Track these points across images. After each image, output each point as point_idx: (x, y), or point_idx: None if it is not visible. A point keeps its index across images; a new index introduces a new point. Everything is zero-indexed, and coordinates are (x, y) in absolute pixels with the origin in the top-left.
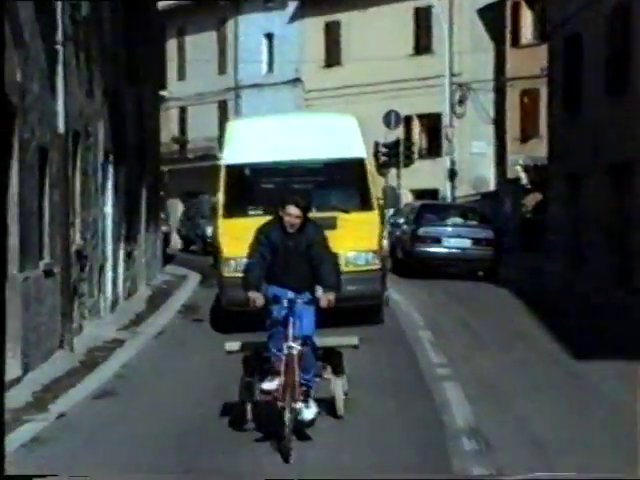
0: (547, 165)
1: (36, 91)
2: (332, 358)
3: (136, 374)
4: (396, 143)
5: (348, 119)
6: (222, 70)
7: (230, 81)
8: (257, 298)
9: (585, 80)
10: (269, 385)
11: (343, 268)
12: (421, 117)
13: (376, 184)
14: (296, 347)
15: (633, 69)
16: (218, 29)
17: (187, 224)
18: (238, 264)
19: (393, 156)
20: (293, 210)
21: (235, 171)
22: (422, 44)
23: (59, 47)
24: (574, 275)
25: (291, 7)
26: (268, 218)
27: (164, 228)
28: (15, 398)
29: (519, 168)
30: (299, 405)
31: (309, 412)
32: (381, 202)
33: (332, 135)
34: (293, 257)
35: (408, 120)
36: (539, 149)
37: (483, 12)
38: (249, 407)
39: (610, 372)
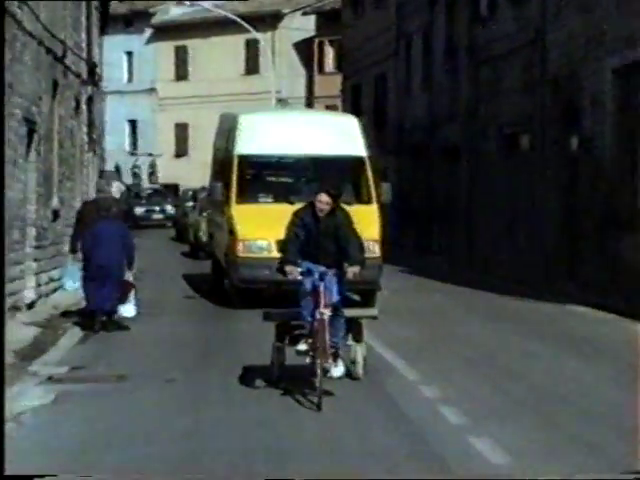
0: None
1: None
2: (353, 327)
3: None
4: None
5: (351, 119)
6: None
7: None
8: (294, 271)
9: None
10: (303, 346)
11: None
12: None
13: (375, 181)
14: (327, 313)
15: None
16: None
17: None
18: (251, 245)
19: None
20: (324, 197)
21: (247, 161)
22: (251, 67)
23: None
24: None
25: (147, 32)
26: (277, 205)
27: None
28: None
29: None
30: (329, 363)
31: (337, 370)
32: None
33: (336, 133)
34: (323, 237)
35: None
36: None
37: (297, 46)
38: (277, 368)
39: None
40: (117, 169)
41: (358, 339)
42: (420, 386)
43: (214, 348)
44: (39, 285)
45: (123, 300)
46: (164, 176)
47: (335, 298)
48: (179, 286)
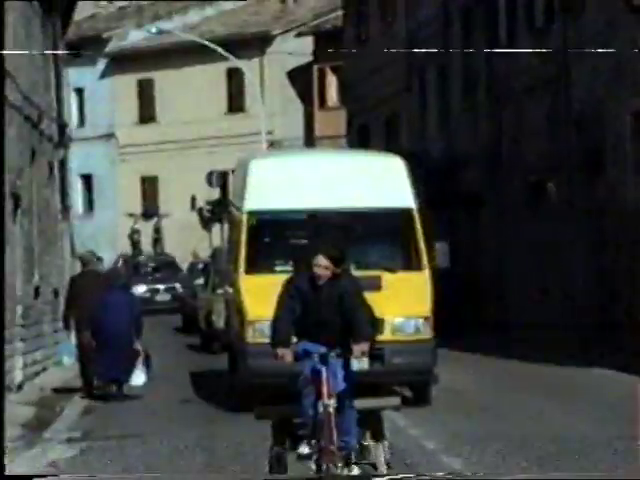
0: None
1: None
2: (370, 421)
3: None
4: (219, 201)
5: (393, 160)
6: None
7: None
8: (285, 355)
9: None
10: (305, 448)
11: (389, 336)
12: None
13: (427, 240)
14: (332, 404)
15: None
16: None
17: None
18: (264, 328)
19: (217, 213)
20: (322, 261)
21: (259, 219)
22: (235, 104)
23: None
24: None
25: (101, 64)
26: None
27: None
28: None
29: None
30: (339, 471)
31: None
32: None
33: (375, 179)
34: (324, 311)
35: (225, 175)
36: None
37: (292, 74)
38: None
39: None
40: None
41: (378, 437)
42: None
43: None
44: (25, 366)
45: (133, 368)
46: (126, 244)
47: (341, 386)
48: (180, 388)
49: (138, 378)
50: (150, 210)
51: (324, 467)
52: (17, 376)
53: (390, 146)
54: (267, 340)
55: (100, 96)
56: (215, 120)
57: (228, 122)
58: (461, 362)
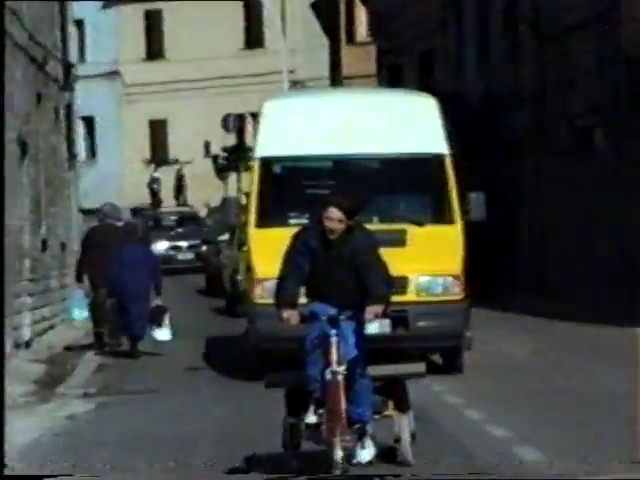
0: None
1: None
2: (394, 390)
3: None
4: (236, 147)
5: (425, 100)
6: None
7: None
8: (291, 316)
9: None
10: (313, 417)
11: (414, 297)
12: (255, 116)
13: (460, 190)
14: (341, 371)
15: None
16: None
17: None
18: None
19: (233, 161)
20: (335, 213)
21: (273, 166)
22: (253, 39)
23: None
24: None
25: None
26: None
27: None
28: None
29: None
30: (350, 443)
31: (365, 453)
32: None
33: (404, 121)
34: (336, 268)
35: (242, 119)
36: None
37: (316, 7)
38: (292, 456)
39: None
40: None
41: (402, 407)
42: None
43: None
44: (33, 323)
45: (160, 324)
46: (133, 195)
47: (353, 353)
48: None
49: (164, 334)
50: (159, 157)
51: (333, 439)
52: (25, 333)
53: (424, 86)
54: None
55: (102, 29)
56: (231, 57)
57: (245, 60)
58: (497, 322)
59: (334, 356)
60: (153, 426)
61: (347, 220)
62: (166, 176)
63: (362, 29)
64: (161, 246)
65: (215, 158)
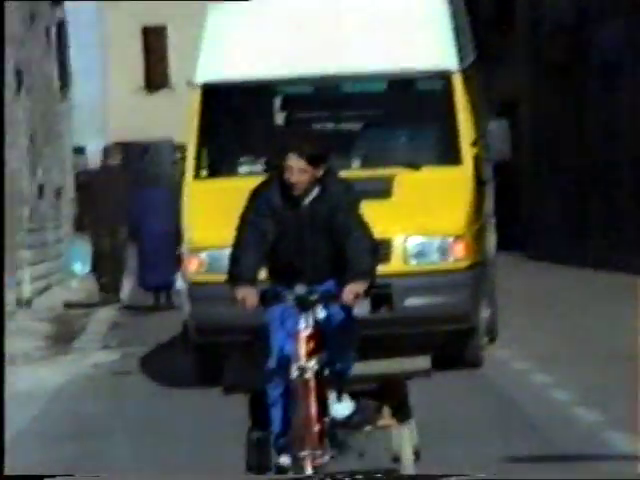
0: None
1: None
2: (390, 393)
3: None
4: None
5: None
6: None
7: None
8: (248, 295)
9: None
10: (286, 459)
11: (399, 266)
12: None
13: (474, 118)
14: (311, 367)
15: None
16: None
17: None
18: (215, 258)
19: None
20: (295, 161)
21: (218, 94)
22: None
23: None
24: None
25: None
26: None
27: None
28: None
29: None
30: (323, 460)
31: (342, 407)
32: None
33: (394, 25)
34: (305, 233)
35: None
36: None
37: None
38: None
39: None
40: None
41: (401, 415)
42: None
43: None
44: (32, 280)
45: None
46: (120, 127)
47: (334, 343)
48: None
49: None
50: (157, 81)
51: (301, 456)
52: (25, 290)
53: None
54: (216, 277)
55: None
56: None
57: None
58: (524, 271)
59: (302, 349)
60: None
61: (313, 169)
62: (155, 102)
63: None
64: None
65: None
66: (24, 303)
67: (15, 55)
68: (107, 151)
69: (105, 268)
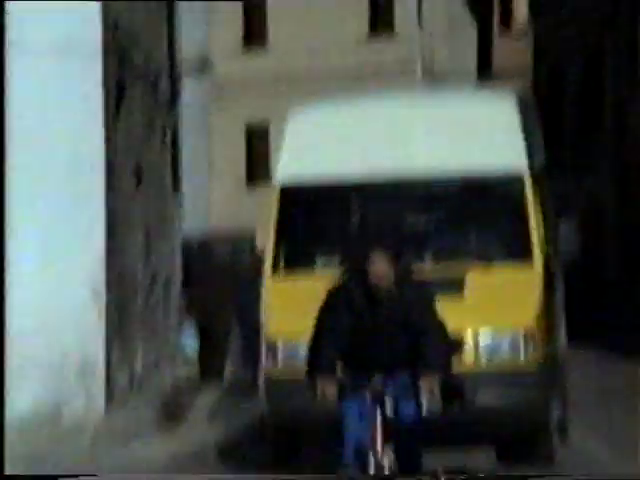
0: None
1: None
2: None
3: None
4: None
5: (500, 102)
6: None
7: None
8: (328, 387)
9: None
10: None
11: (471, 359)
12: None
13: (545, 219)
14: (388, 459)
15: None
16: None
17: None
18: (292, 350)
19: None
20: (381, 263)
21: (297, 195)
22: (380, 22)
23: None
24: None
25: None
26: None
27: None
28: None
29: None
30: None
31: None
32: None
33: (468, 132)
34: (383, 328)
35: None
36: None
37: None
38: None
39: None
40: None
41: None
42: None
43: None
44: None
45: None
46: (221, 219)
47: (409, 430)
48: None
49: None
50: (254, 175)
51: None
52: (138, 372)
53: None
54: (292, 369)
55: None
56: (352, 45)
57: (370, 48)
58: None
59: (379, 443)
60: None
61: (396, 267)
62: (256, 198)
63: (522, 9)
64: None
65: None
66: (135, 386)
67: (135, 151)
68: (210, 246)
69: (209, 351)
